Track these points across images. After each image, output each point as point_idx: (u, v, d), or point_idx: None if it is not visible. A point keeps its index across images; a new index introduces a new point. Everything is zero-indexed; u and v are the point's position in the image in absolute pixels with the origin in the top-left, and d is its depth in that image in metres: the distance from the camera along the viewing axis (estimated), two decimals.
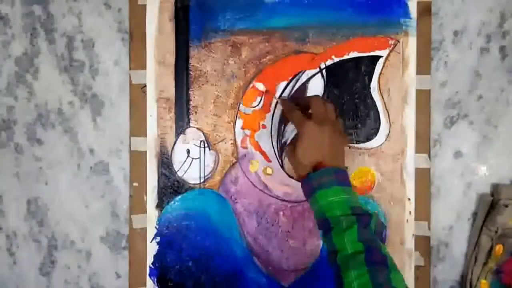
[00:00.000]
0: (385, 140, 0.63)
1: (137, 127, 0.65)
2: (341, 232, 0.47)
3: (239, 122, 0.64)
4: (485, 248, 0.62)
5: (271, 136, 0.64)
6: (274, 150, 0.64)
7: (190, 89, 0.65)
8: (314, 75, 0.63)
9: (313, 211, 0.51)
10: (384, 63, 0.63)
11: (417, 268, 0.63)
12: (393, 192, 0.63)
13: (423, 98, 0.63)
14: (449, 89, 0.64)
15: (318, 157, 0.52)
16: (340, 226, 0.48)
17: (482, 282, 0.62)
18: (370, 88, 0.63)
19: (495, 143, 0.64)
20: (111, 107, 0.68)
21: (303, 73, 0.64)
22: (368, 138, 0.63)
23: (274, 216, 0.64)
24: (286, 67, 0.64)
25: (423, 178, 0.63)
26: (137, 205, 0.66)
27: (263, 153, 0.64)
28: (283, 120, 0.64)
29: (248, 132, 0.64)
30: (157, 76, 0.65)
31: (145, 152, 0.65)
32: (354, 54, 0.63)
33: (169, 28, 0.65)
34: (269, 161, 0.64)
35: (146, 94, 0.65)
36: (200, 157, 0.65)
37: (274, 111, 0.64)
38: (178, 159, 0.65)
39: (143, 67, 0.65)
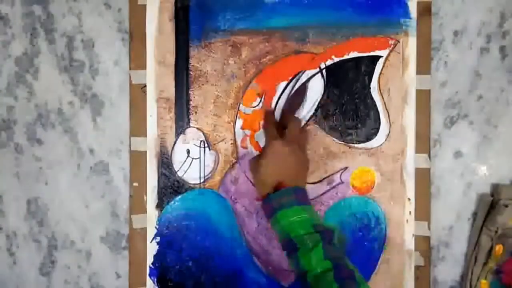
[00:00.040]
0: (385, 140, 0.63)
1: (137, 127, 0.65)
2: (308, 252, 0.48)
3: (239, 122, 0.64)
4: (485, 248, 0.62)
5: None
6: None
7: (190, 89, 0.65)
8: (314, 75, 0.63)
9: (275, 231, 0.52)
10: (384, 63, 0.63)
11: (417, 268, 0.63)
12: (393, 192, 0.63)
13: (423, 98, 0.63)
14: (449, 89, 0.64)
15: (279, 177, 0.53)
16: (305, 245, 0.49)
17: (482, 282, 0.62)
18: (370, 88, 0.63)
19: (495, 143, 0.64)
20: (111, 107, 0.68)
21: (303, 73, 0.64)
22: (368, 138, 0.63)
23: None
24: (286, 67, 0.64)
25: (423, 178, 0.63)
26: (137, 205, 0.66)
27: None
28: (284, 120, 0.64)
29: (248, 132, 0.64)
30: (157, 76, 0.65)
31: (145, 152, 0.65)
32: (354, 54, 0.63)
33: (169, 28, 0.65)
34: None
35: (146, 94, 0.65)
36: (200, 157, 0.65)
37: (274, 111, 0.64)
38: (178, 159, 0.65)
39: (143, 67, 0.65)
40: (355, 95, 0.63)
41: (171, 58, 0.65)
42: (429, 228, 0.63)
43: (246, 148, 0.64)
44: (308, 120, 0.64)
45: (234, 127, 0.65)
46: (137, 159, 0.66)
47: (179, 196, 0.65)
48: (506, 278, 0.62)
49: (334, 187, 0.64)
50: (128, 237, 0.67)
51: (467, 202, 0.64)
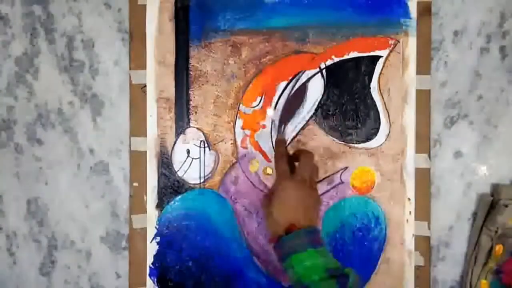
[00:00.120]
0: (385, 140, 0.63)
1: (137, 127, 0.65)
2: None
3: (239, 122, 0.64)
4: (485, 248, 0.62)
5: (271, 136, 0.64)
6: (274, 150, 0.64)
7: (190, 89, 0.65)
8: (314, 75, 0.63)
9: (288, 275, 0.50)
10: (384, 63, 0.63)
11: (417, 268, 0.63)
12: (393, 192, 0.63)
13: (423, 98, 0.63)
14: (449, 89, 0.64)
15: (292, 218, 0.51)
16: None
17: (482, 282, 0.62)
18: (370, 88, 0.63)
19: (495, 143, 0.64)
20: (111, 107, 0.68)
21: (303, 73, 0.64)
22: (368, 138, 0.63)
23: None
24: (286, 67, 0.64)
25: (423, 178, 0.63)
26: (137, 205, 0.66)
27: (263, 153, 0.64)
28: (283, 120, 0.64)
29: (248, 132, 0.64)
30: (157, 76, 0.65)
31: (145, 152, 0.65)
32: (354, 54, 0.63)
33: (169, 28, 0.65)
34: (269, 161, 0.64)
35: (146, 94, 0.65)
36: (200, 157, 0.65)
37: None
38: (178, 159, 0.65)
39: (143, 67, 0.65)
40: (355, 95, 0.63)
41: (171, 58, 0.65)
42: (429, 228, 0.63)
43: (246, 148, 0.64)
44: (308, 120, 0.64)
45: (234, 127, 0.65)
46: (137, 159, 0.66)
47: (179, 196, 0.65)
48: (506, 278, 0.62)
49: (334, 187, 0.64)
50: (128, 237, 0.67)
51: (467, 202, 0.64)
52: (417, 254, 0.63)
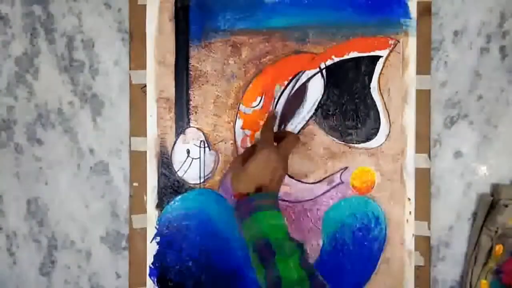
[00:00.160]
0: (385, 140, 0.63)
1: (137, 127, 0.66)
2: (286, 258, 0.48)
3: (239, 122, 0.64)
4: (485, 248, 0.62)
5: None
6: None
7: (190, 89, 0.65)
8: (314, 75, 0.63)
9: (248, 230, 0.51)
10: (384, 63, 0.63)
11: (417, 268, 0.63)
12: (393, 192, 0.63)
13: (423, 98, 0.63)
14: (449, 89, 0.64)
15: (262, 181, 0.53)
16: (283, 251, 0.48)
17: (482, 282, 0.62)
18: (370, 88, 0.63)
19: (495, 143, 0.64)
20: (111, 107, 0.68)
21: (303, 73, 0.64)
22: (368, 138, 0.63)
23: None
24: (286, 67, 0.64)
25: (423, 178, 0.63)
26: (137, 205, 0.66)
27: None
28: (283, 120, 0.64)
29: (248, 132, 0.64)
30: (157, 76, 0.65)
31: (145, 152, 0.65)
32: (354, 54, 0.63)
33: (169, 28, 0.65)
34: None
35: (146, 94, 0.65)
36: (200, 157, 0.65)
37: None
38: (178, 159, 0.65)
39: (143, 67, 0.65)
40: (355, 95, 0.63)
41: (171, 58, 0.65)
42: (429, 228, 0.63)
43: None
44: (308, 120, 0.64)
45: (234, 127, 0.65)
46: (137, 159, 0.66)
47: (179, 196, 0.65)
48: (506, 278, 0.62)
49: (334, 187, 0.64)
50: (128, 237, 0.67)
51: (467, 202, 0.64)
52: (417, 254, 0.63)
